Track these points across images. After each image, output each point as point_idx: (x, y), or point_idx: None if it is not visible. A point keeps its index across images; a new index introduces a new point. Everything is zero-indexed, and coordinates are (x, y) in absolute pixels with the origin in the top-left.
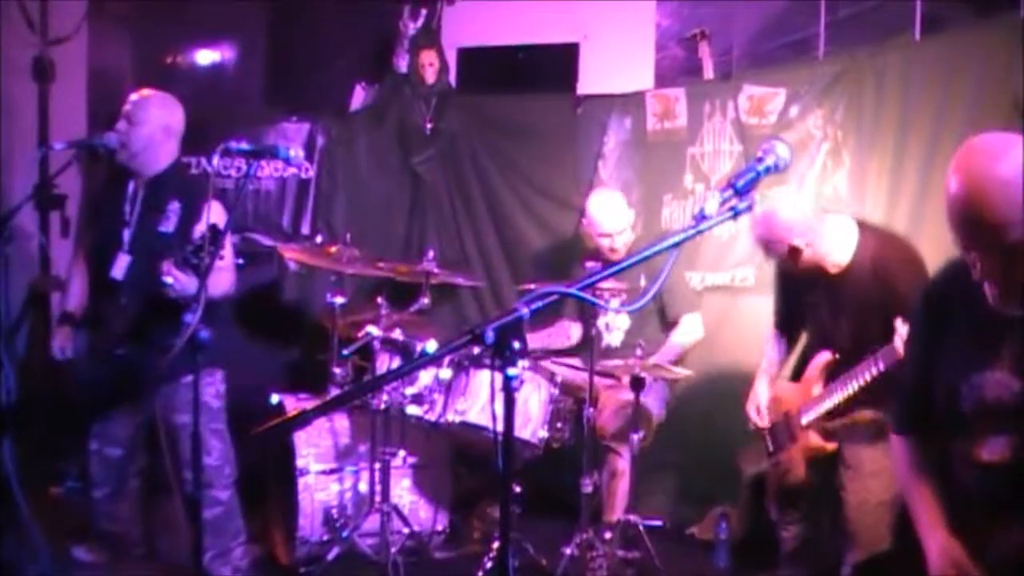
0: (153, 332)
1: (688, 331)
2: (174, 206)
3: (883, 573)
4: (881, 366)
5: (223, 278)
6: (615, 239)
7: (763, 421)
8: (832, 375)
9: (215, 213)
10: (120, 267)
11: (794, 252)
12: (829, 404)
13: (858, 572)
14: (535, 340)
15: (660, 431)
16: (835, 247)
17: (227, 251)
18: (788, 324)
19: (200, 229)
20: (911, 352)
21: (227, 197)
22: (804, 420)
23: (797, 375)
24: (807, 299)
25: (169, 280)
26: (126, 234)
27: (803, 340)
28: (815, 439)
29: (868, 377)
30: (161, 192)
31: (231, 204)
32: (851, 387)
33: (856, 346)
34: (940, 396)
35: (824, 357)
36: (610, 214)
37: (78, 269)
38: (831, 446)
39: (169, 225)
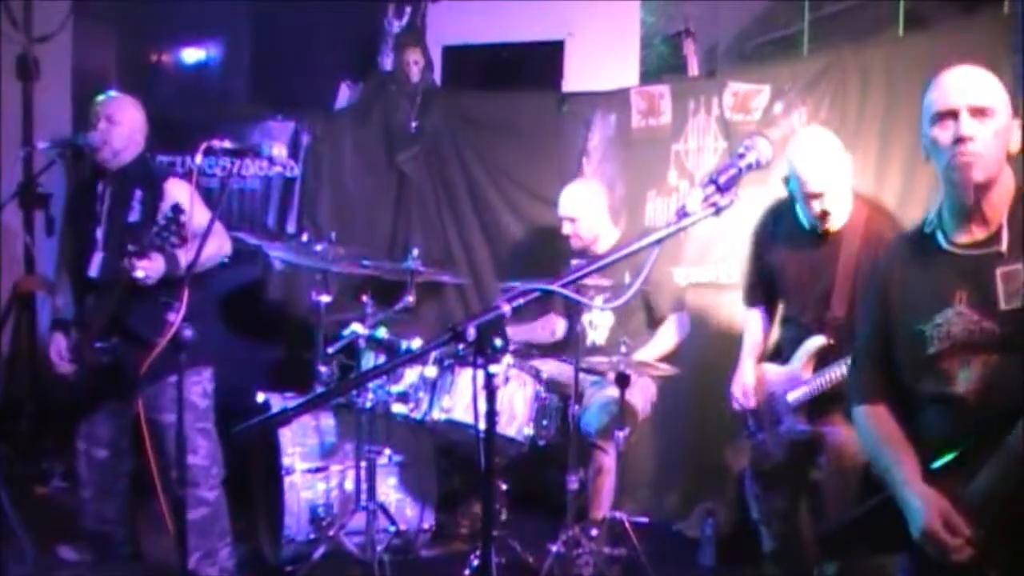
0: (132, 326)
1: (670, 333)
2: (138, 195)
3: (852, 538)
4: None
5: (217, 243)
6: (565, 224)
7: (749, 403)
8: (823, 358)
9: (177, 189)
10: (95, 265)
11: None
12: (817, 388)
13: (826, 540)
14: (519, 333)
15: (646, 428)
16: (842, 209)
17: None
18: (762, 294)
19: (163, 209)
20: (867, 321)
21: (211, 196)
22: (791, 400)
23: (778, 353)
24: (785, 265)
25: (140, 274)
26: (99, 232)
27: (780, 312)
28: (799, 422)
29: None
30: (125, 185)
31: (215, 203)
32: (841, 369)
33: (848, 322)
34: (904, 348)
35: (816, 341)
36: (569, 197)
37: (63, 275)
38: (813, 429)
39: (136, 215)
